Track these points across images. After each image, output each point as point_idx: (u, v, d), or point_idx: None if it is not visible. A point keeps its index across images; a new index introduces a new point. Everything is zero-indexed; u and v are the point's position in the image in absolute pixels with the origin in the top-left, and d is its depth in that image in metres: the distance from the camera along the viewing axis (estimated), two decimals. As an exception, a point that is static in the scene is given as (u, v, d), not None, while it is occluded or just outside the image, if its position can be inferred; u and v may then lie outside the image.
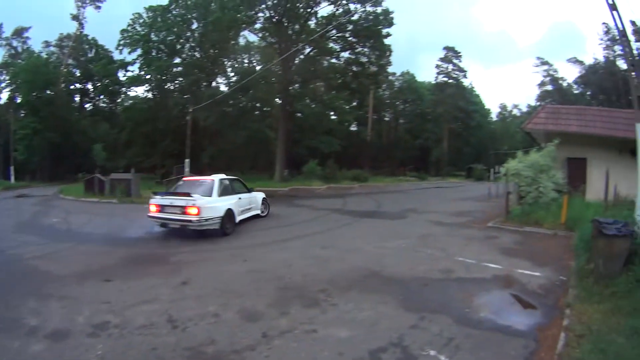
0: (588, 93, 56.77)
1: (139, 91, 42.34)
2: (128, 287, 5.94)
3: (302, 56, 34.66)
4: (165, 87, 38.49)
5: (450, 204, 19.70)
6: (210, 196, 10.34)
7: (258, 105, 40.77)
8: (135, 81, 39.58)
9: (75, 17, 45.88)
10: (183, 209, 9.63)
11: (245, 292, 5.70)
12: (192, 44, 37.06)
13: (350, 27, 33.25)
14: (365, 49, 36.17)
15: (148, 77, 37.37)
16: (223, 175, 12.08)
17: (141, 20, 36.92)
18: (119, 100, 48.45)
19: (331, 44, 35.54)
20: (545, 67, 62.71)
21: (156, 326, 4.52)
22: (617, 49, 50.96)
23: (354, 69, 37.74)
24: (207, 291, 5.74)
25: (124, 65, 42.69)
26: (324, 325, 4.63)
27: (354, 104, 55.04)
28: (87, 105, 50.23)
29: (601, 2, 7.69)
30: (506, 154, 27.99)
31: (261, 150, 42.19)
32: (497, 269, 7.37)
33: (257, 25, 33.79)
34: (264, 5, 31.73)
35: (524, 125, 18.39)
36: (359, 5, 31.72)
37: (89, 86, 48.83)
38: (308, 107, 41.89)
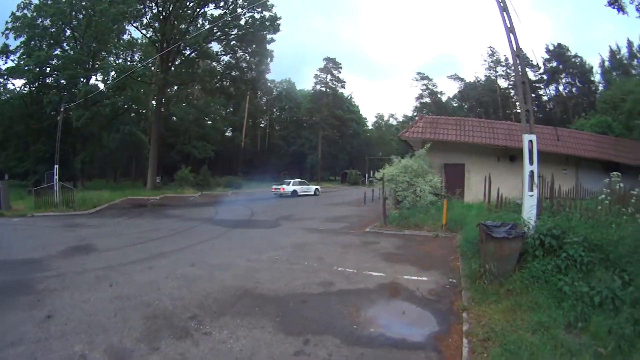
0: (466, 106, 64.66)
1: (18, 84, 38.17)
2: (-7, 325, 5.35)
3: (182, 58, 35.42)
4: (43, 81, 35.85)
5: (325, 210, 20.29)
6: (288, 185, 31.69)
7: (134, 106, 40.90)
8: (14, 72, 35.00)
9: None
10: (279, 188, 31.23)
11: (112, 325, 5.28)
12: (76, 35, 35.10)
13: (235, 30, 34.75)
14: (247, 55, 37.77)
15: (27, 68, 33.67)
16: (297, 179, 34.50)
17: (32, 4, 33.48)
18: (-4, 93, 42.77)
19: (213, 47, 36.62)
20: (425, 81, 70.29)
21: (22, 376, 4.12)
22: (500, 69, 61.20)
23: (233, 73, 38.94)
24: (72, 326, 5.27)
25: (5, 52, 36.54)
26: (198, 361, 4.28)
27: (230, 109, 57.33)
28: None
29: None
30: (381, 159, 30.96)
31: (134, 155, 44.16)
32: (381, 277, 7.23)
33: (144, 21, 33.65)
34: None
35: (402, 133, 19.62)
36: (246, 11, 33.47)
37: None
38: (184, 110, 43.13)
